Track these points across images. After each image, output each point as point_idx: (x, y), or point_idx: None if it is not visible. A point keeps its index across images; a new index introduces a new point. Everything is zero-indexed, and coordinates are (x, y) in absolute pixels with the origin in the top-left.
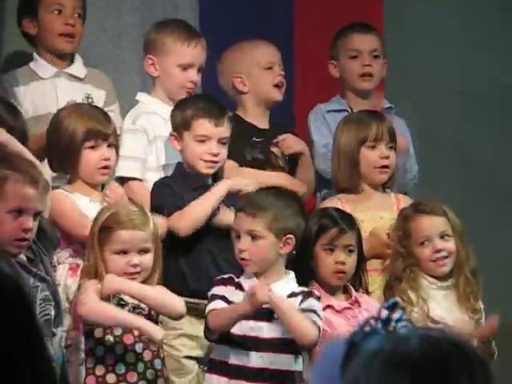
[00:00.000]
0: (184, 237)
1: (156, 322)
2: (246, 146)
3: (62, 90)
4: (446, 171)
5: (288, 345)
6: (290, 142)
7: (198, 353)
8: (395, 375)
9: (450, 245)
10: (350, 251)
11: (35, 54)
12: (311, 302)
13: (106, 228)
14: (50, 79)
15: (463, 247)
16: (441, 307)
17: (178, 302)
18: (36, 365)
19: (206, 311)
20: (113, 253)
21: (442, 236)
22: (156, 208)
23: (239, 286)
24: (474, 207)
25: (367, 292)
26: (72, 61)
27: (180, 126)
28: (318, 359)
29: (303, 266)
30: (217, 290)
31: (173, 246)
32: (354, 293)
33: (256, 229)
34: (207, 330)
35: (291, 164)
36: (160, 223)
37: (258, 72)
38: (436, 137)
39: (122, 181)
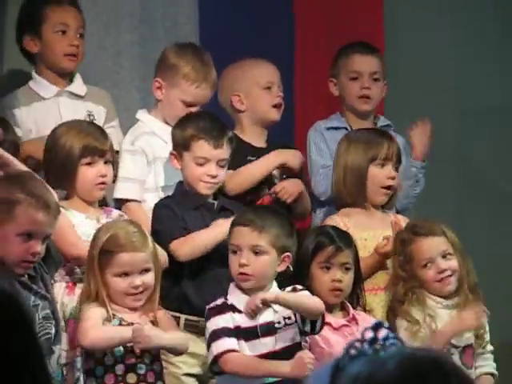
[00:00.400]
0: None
1: None
2: (241, 164)
3: (64, 109)
4: (445, 174)
5: (290, 353)
6: (289, 190)
7: (198, 370)
8: None
9: (453, 263)
10: (347, 269)
11: (34, 74)
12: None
13: (106, 251)
14: (52, 99)
15: (464, 264)
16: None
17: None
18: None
19: (216, 352)
20: (114, 275)
21: (444, 255)
22: (157, 232)
23: (233, 308)
24: (473, 208)
25: (365, 310)
26: (71, 79)
27: (180, 146)
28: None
29: (300, 284)
30: (215, 322)
31: (175, 263)
32: (351, 310)
33: (260, 244)
34: (215, 366)
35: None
36: (161, 255)
37: (256, 91)
38: (434, 140)
39: (120, 202)
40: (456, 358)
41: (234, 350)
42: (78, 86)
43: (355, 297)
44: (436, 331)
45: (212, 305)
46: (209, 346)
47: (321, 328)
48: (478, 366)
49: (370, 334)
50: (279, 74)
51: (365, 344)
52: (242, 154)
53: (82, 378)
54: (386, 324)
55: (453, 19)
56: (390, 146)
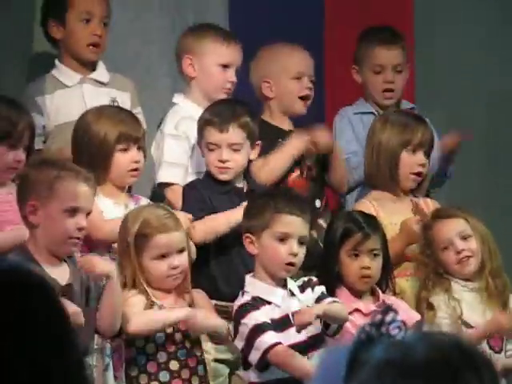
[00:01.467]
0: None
1: None
2: (273, 147)
3: (88, 96)
4: (474, 169)
5: (317, 341)
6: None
7: (228, 356)
8: None
9: (472, 244)
10: (375, 255)
11: (57, 62)
12: (325, 295)
13: (141, 235)
14: (76, 86)
15: (484, 248)
16: (473, 310)
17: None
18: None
19: (265, 346)
20: (152, 259)
21: (463, 237)
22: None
23: (264, 301)
24: (502, 205)
25: (395, 294)
26: (94, 66)
27: (199, 134)
28: (319, 369)
29: (329, 271)
30: (255, 317)
31: (202, 249)
32: (381, 295)
33: (307, 235)
34: (261, 360)
35: (318, 165)
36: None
37: (285, 80)
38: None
39: (164, 186)
40: (483, 341)
41: (280, 343)
42: (101, 73)
43: (384, 282)
44: (469, 331)
45: (242, 301)
46: (249, 342)
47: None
48: (508, 350)
49: (378, 318)
50: (312, 63)
51: (372, 327)
52: (273, 138)
53: (111, 365)
54: (394, 308)
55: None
56: (425, 133)
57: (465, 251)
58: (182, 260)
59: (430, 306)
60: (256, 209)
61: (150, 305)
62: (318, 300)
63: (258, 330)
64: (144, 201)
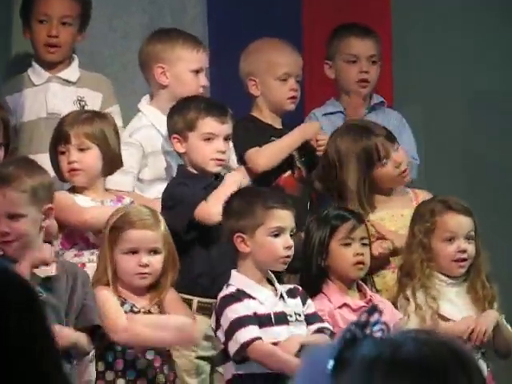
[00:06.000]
0: (197, 236)
1: None
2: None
3: (51, 95)
4: (449, 165)
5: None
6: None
7: (211, 353)
8: (398, 382)
9: (472, 248)
10: (365, 244)
11: (33, 61)
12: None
13: (116, 228)
14: (43, 85)
15: (483, 251)
16: (453, 305)
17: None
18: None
19: (243, 340)
20: (123, 253)
21: (468, 237)
22: (176, 206)
23: (248, 295)
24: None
25: (376, 291)
26: (68, 64)
27: (183, 128)
28: (303, 367)
29: (318, 265)
30: (236, 310)
31: (185, 246)
32: (368, 292)
33: (295, 227)
34: (240, 354)
35: (306, 166)
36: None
37: (271, 81)
38: (440, 131)
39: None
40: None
41: (260, 338)
42: (70, 71)
43: (368, 278)
44: (443, 325)
45: (226, 293)
46: (229, 334)
47: None
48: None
49: (364, 317)
50: (301, 61)
51: (357, 327)
52: (265, 135)
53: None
54: (380, 308)
55: (464, 20)
56: (380, 143)
57: (465, 253)
58: (152, 260)
59: (406, 296)
60: (245, 208)
61: (122, 302)
62: (308, 322)
63: (239, 322)
64: (127, 200)
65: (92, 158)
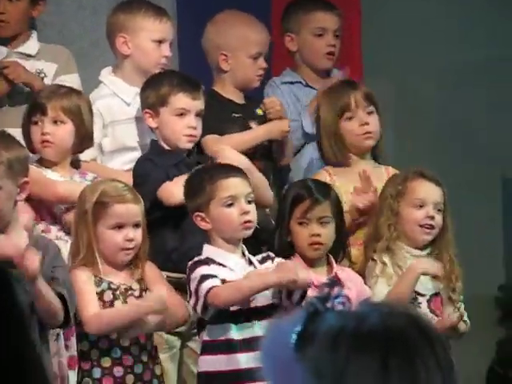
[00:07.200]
0: (168, 210)
1: None
2: (227, 121)
3: None
4: (422, 141)
5: (277, 309)
6: (277, 106)
7: (181, 328)
8: (364, 353)
9: (440, 218)
10: (326, 223)
11: None
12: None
13: (99, 204)
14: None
15: (452, 226)
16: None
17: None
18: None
19: (203, 291)
20: (108, 228)
21: (436, 207)
22: (142, 184)
23: (217, 263)
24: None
25: (351, 263)
26: (26, 38)
27: (156, 103)
28: (266, 345)
29: (282, 240)
30: (201, 271)
31: (155, 221)
32: (335, 267)
33: (251, 192)
34: (204, 308)
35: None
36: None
37: (244, 59)
38: (412, 106)
39: (78, 163)
40: (424, 306)
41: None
42: (28, 45)
43: (340, 251)
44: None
45: (195, 259)
46: (195, 293)
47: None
48: (450, 313)
49: (325, 291)
50: (269, 39)
51: (319, 301)
52: (226, 111)
53: (61, 334)
54: (340, 282)
55: None
56: (355, 94)
57: (433, 220)
58: (136, 235)
59: (372, 257)
60: (195, 186)
61: (98, 281)
62: None
63: (203, 279)
64: (91, 176)
65: (65, 132)
